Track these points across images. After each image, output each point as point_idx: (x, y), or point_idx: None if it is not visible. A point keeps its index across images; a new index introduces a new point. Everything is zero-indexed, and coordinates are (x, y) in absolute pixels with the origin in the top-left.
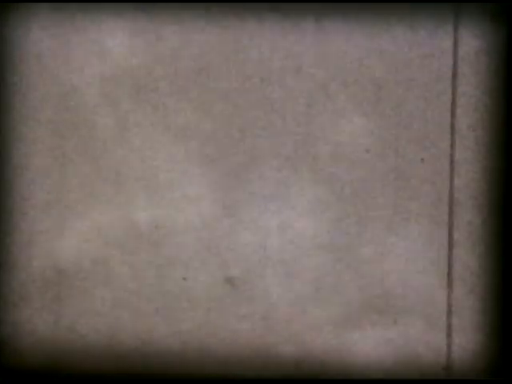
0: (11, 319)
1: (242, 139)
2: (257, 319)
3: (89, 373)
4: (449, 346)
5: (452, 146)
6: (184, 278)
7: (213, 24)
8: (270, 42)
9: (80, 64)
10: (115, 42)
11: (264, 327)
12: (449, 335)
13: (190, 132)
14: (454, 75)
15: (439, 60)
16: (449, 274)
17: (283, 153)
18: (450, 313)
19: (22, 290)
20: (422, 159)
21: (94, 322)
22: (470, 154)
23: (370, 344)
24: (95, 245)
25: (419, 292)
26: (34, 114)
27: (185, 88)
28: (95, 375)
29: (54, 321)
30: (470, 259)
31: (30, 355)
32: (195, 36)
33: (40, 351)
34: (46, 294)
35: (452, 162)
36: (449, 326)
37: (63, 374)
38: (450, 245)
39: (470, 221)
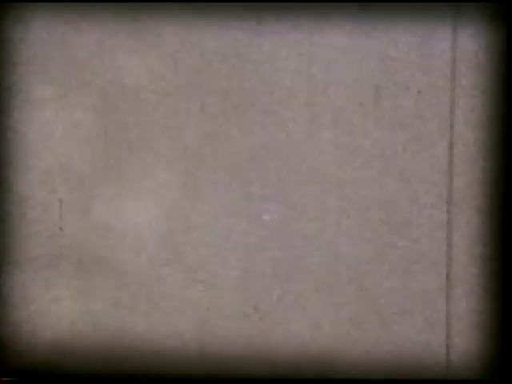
0: (11, 319)
1: None
2: None
3: None
4: (448, 346)
5: (451, 146)
6: None
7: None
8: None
9: (80, 64)
10: (115, 42)
11: None
12: (448, 336)
13: None
14: (453, 76)
15: (438, 61)
16: (448, 274)
17: None
18: (449, 313)
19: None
20: (422, 159)
21: None
22: (469, 154)
23: None
24: None
25: None
26: (33, 115)
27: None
28: None
29: None
30: (469, 260)
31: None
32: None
33: None
34: None
35: (451, 162)
36: (448, 327)
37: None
38: (450, 245)
39: (470, 221)
